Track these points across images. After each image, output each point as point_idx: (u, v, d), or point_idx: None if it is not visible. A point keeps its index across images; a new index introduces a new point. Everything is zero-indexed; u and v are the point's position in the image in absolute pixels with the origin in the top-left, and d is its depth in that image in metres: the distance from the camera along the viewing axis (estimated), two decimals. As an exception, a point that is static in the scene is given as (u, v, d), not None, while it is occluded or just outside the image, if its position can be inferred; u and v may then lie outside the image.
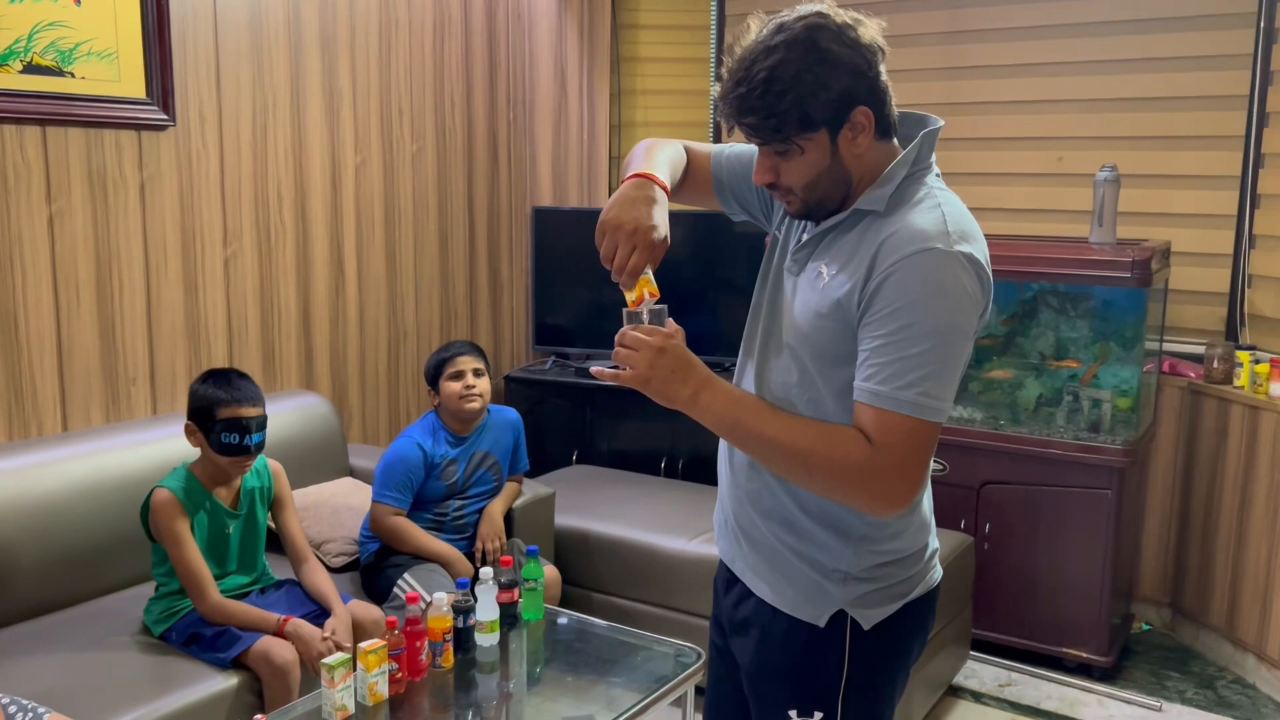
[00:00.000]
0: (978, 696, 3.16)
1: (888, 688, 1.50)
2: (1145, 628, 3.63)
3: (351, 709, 2.09)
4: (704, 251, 4.03)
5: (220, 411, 2.39)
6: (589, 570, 3.19)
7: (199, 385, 2.45)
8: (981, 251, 1.32)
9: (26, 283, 2.71)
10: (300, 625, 2.35)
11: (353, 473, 3.31)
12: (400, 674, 2.19)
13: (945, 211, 1.32)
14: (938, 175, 1.41)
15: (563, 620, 2.62)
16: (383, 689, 2.14)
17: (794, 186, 1.37)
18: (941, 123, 1.42)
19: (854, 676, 1.45)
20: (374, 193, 3.68)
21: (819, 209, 1.40)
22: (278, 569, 2.65)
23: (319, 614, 2.47)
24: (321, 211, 3.49)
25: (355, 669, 2.12)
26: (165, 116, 2.94)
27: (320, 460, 3.20)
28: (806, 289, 1.40)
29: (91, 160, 2.82)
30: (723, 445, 1.56)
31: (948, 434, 3.37)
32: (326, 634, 2.35)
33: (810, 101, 1.29)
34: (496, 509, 2.95)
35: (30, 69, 2.65)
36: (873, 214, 1.36)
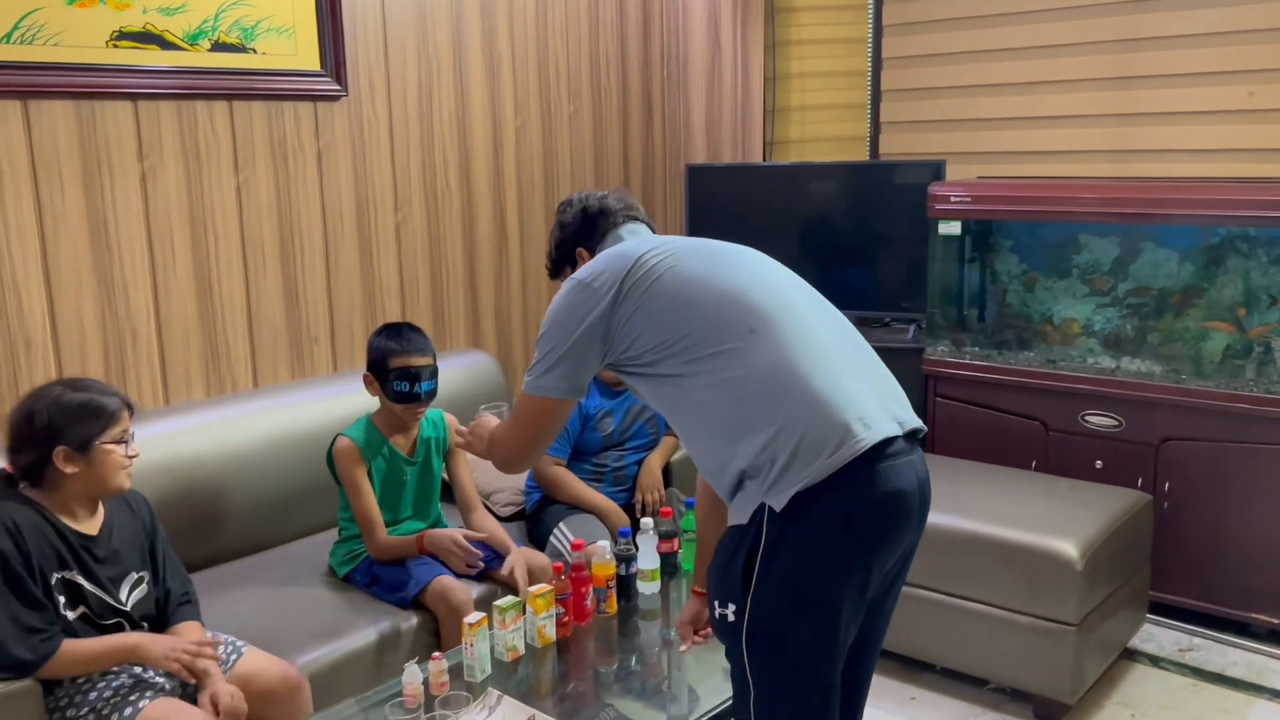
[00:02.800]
0: (1156, 661, 3.03)
1: (794, 577, 1.58)
2: (1345, 595, 3.39)
3: (522, 649, 2.19)
4: (860, 205, 3.95)
5: (393, 361, 2.53)
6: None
7: (375, 338, 2.59)
8: (591, 270, 1.75)
9: (219, 249, 2.91)
10: (433, 533, 2.50)
11: (518, 427, 3.42)
12: (567, 618, 2.27)
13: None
14: (617, 240, 1.93)
15: (723, 572, 2.65)
16: (551, 632, 2.23)
17: None
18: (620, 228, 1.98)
19: (764, 569, 1.58)
20: (533, 154, 3.76)
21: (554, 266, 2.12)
22: (451, 519, 2.78)
23: (491, 558, 2.58)
24: (485, 174, 3.59)
25: (525, 612, 2.21)
26: (338, 87, 3.08)
27: (487, 415, 3.31)
28: None
29: (273, 131, 2.99)
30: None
31: (1122, 388, 3.22)
32: (505, 571, 2.51)
33: (555, 254, 2.06)
34: (655, 461, 2.99)
35: (217, 47, 2.82)
36: None
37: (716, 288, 1.69)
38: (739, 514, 1.62)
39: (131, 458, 2.03)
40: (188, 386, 2.88)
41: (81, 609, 1.98)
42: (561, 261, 2.04)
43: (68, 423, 1.93)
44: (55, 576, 1.93)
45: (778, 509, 1.55)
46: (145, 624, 2.09)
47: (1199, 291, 3.23)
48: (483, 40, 3.53)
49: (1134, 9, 3.58)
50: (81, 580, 1.97)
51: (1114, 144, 3.69)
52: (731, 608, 1.62)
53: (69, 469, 1.94)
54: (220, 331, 2.93)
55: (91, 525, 2.01)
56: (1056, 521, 2.74)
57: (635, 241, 1.85)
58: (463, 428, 2.10)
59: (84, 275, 2.65)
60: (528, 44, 3.68)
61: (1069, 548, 2.63)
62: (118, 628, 2.02)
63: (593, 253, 1.93)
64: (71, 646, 1.90)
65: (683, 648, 2.11)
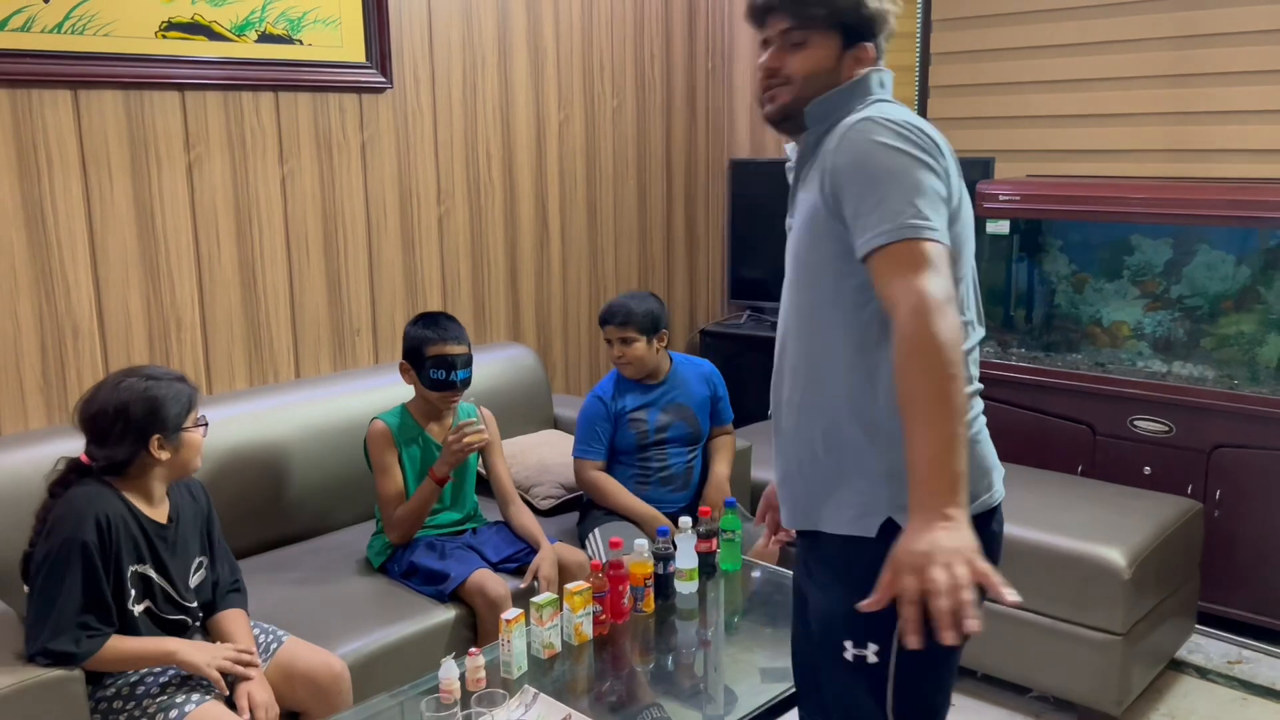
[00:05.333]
0: (1203, 673, 2.96)
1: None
2: (1402, 609, 3.30)
3: (558, 647, 2.17)
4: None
5: (429, 349, 2.54)
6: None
7: (410, 327, 2.61)
8: (913, 121, 1.43)
9: (263, 240, 2.92)
10: (438, 463, 2.52)
11: (557, 423, 3.42)
12: (604, 616, 2.26)
13: (873, 109, 1.46)
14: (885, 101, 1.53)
15: (757, 573, 2.62)
16: (588, 629, 2.21)
17: (794, 76, 1.53)
18: (887, 73, 1.58)
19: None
20: (576, 148, 3.74)
21: (797, 112, 1.54)
22: (489, 512, 2.77)
23: (528, 551, 2.58)
24: (527, 168, 3.58)
25: (562, 609, 2.19)
26: (384, 79, 3.09)
27: (527, 410, 3.31)
28: (796, 225, 1.57)
29: (318, 123, 2.99)
30: (774, 412, 1.63)
31: (1173, 393, 3.15)
32: (532, 568, 2.50)
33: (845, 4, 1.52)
34: (723, 472, 2.96)
35: (264, 38, 2.83)
36: (823, 134, 1.51)
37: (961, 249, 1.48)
38: (855, 521, 1.43)
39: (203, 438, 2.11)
40: (230, 376, 2.90)
41: (146, 603, 2.01)
42: (847, 22, 1.51)
43: (161, 411, 1.99)
44: (131, 570, 1.97)
45: None
46: (200, 614, 2.12)
47: (1256, 296, 3.15)
48: (528, 34, 3.52)
49: (1190, 4, 3.49)
50: (153, 574, 2.01)
51: (1169, 143, 3.61)
52: (873, 647, 1.40)
53: (162, 455, 2.00)
54: (263, 322, 2.95)
55: (161, 512, 2.06)
56: (1104, 528, 2.68)
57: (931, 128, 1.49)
58: None
59: (130, 264, 2.67)
60: (573, 38, 3.67)
61: (1116, 556, 2.57)
62: (178, 624, 2.06)
63: (877, 48, 1.55)
64: (115, 644, 1.92)
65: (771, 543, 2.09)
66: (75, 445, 2.05)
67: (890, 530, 1.39)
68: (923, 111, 4.14)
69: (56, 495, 1.98)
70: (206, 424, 2.10)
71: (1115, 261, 3.41)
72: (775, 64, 1.54)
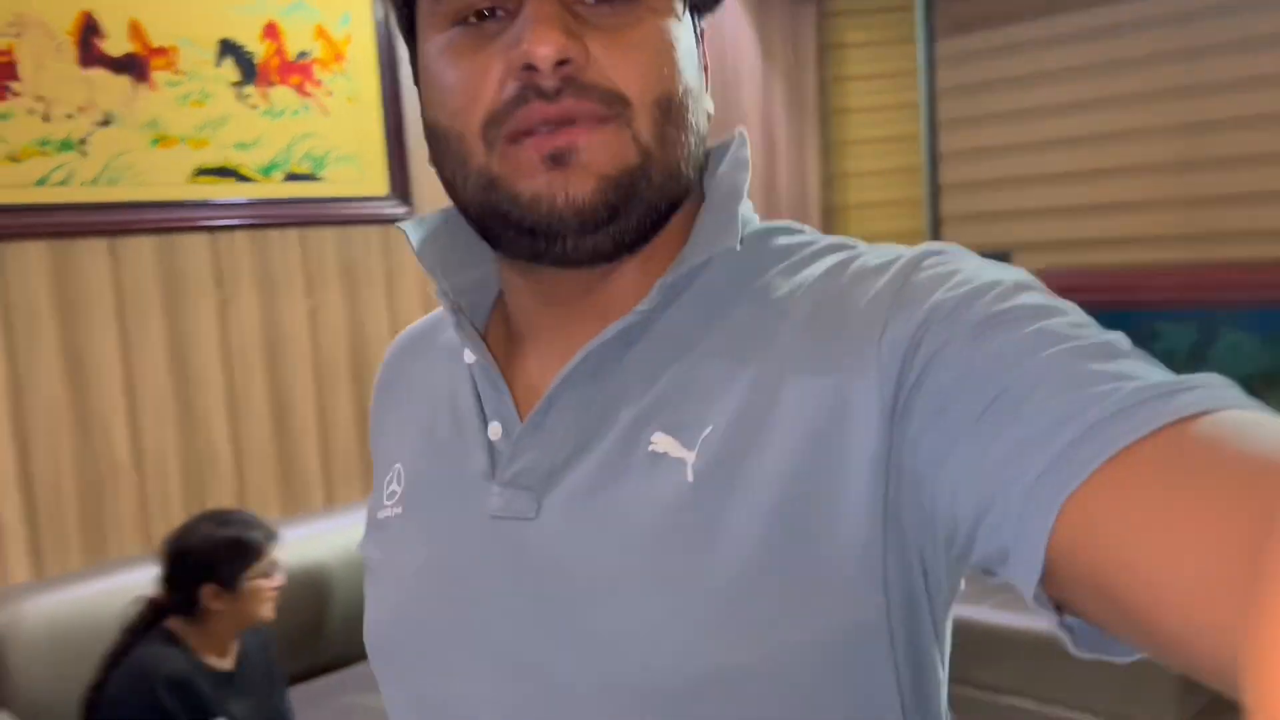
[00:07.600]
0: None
1: None
2: None
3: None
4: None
5: None
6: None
7: None
8: None
9: (293, 373, 2.98)
10: None
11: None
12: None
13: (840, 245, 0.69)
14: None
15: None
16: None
17: (632, 87, 0.63)
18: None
19: None
20: (596, 264, 3.81)
21: (636, 187, 0.65)
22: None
23: None
24: (548, 286, 3.65)
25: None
26: (406, 209, 3.19)
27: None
28: (645, 500, 0.63)
29: (343, 255, 3.08)
30: None
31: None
32: None
33: None
34: None
35: (290, 178, 2.94)
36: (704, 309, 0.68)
37: None
38: None
39: (276, 588, 2.08)
40: (264, 506, 2.92)
41: None
42: None
43: (217, 560, 1.99)
44: None
45: None
46: None
47: (1284, 375, 3.12)
48: (543, 157, 3.62)
49: (1195, 93, 3.56)
50: None
51: (1182, 229, 3.63)
52: None
53: (216, 605, 1.98)
54: (295, 453, 2.99)
55: (229, 659, 2.04)
56: (1150, 622, 2.62)
57: None
58: None
59: (165, 404, 2.73)
60: (587, 158, 3.77)
61: (1165, 650, 2.51)
62: None
63: None
64: None
65: None
66: (109, 586, 2.07)
67: None
68: (935, 210, 4.21)
69: (129, 642, 1.96)
70: (276, 573, 2.06)
71: (1142, 348, 3.41)
72: (573, 49, 0.60)
